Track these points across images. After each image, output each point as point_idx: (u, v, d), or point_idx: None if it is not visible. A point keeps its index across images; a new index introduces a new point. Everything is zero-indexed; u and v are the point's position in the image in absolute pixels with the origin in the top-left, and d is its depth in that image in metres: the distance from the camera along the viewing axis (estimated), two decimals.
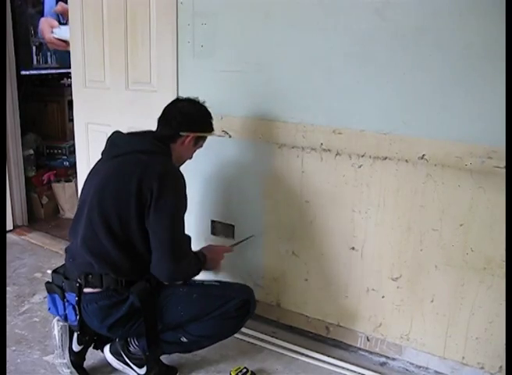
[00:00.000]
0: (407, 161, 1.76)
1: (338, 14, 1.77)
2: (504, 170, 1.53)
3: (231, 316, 1.70)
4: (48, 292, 1.73)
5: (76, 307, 1.65)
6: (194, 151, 1.85)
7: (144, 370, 1.79)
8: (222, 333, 1.76)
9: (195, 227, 2.32)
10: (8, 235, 3.15)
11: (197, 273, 1.76)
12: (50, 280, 1.74)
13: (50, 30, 2.79)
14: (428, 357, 1.88)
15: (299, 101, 1.93)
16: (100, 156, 1.79)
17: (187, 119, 1.77)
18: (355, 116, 1.82)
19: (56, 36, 2.78)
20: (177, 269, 1.65)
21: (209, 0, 2.04)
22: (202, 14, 2.06)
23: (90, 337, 1.82)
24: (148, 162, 1.65)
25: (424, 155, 1.72)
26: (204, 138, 1.85)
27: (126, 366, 1.81)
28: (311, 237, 2.03)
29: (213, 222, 2.27)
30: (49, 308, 1.75)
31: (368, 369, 1.91)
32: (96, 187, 1.67)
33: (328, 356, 1.98)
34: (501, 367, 1.74)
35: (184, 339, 1.71)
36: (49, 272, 2.64)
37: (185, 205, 1.69)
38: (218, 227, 2.26)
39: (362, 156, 1.84)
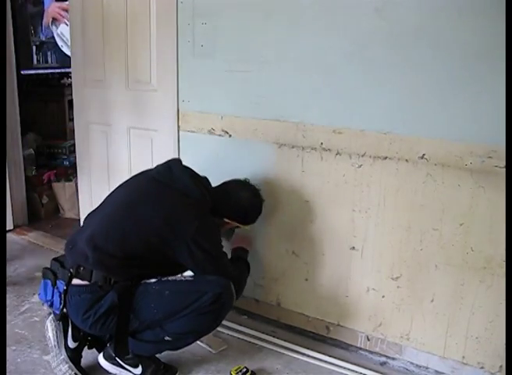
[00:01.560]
0: (407, 160, 1.76)
1: (338, 14, 1.78)
2: (504, 170, 1.53)
3: (205, 310, 1.67)
4: (43, 277, 1.75)
5: (62, 296, 1.67)
6: (221, 232, 1.90)
7: (139, 370, 1.79)
8: (200, 328, 1.75)
9: None
10: (8, 235, 3.15)
11: (249, 271, 1.97)
12: (48, 266, 1.76)
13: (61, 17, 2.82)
14: (429, 356, 1.88)
15: (299, 100, 1.93)
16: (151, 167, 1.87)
17: (240, 213, 1.90)
18: (355, 116, 1.82)
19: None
20: (239, 292, 1.81)
21: None
22: (202, 13, 2.06)
23: (84, 334, 1.82)
24: (189, 210, 1.71)
25: (424, 154, 1.71)
26: (233, 230, 1.99)
27: (121, 369, 1.80)
28: (311, 237, 2.03)
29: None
30: (39, 294, 1.77)
31: (368, 369, 1.91)
32: (131, 198, 1.75)
33: (329, 356, 1.98)
34: (501, 367, 1.74)
35: (168, 337, 1.71)
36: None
37: (219, 237, 1.80)
38: None
39: (362, 156, 1.84)
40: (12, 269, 2.67)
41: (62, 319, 1.77)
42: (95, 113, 2.57)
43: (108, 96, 2.49)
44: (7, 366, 1.84)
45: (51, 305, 1.73)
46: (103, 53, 2.47)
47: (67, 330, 1.80)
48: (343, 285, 2.00)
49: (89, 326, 1.70)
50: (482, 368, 1.78)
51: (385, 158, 1.79)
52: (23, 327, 2.15)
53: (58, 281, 1.69)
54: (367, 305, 1.97)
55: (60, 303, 1.68)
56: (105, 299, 1.64)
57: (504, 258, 1.61)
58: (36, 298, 2.39)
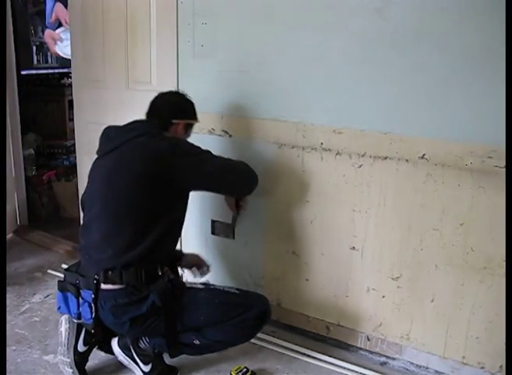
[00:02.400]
0: (407, 160, 1.76)
1: (338, 14, 1.77)
2: (504, 170, 1.53)
3: (248, 324, 1.71)
4: (61, 291, 1.70)
5: (93, 305, 1.63)
6: (186, 136, 1.89)
7: (149, 367, 1.79)
8: (236, 339, 1.78)
9: (195, 227, 2.32)
10: (9, 234, 3.15)
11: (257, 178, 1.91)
12: (62, 279, 1.72)
13: (53, 42, 2.83)
14: (429, 356, 1.88)
15: (299, 100, 1.93)
16: (96, 155, 1.79)
17: (177, 108, 1.85)
18: (355, 116, 1.82)
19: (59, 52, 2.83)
20: (252, 182, 1.89)
21: None
22: (202, 13, 2.06)
23: (97, 339, 1.82)
24: (150, 142, 1.68)
25: (424, 154, 1.71)
26: (192, 127, 1.91)
27: (132, 362, 1.80)
28: (311, 237, 2.03)
29: (213, 222, 2.27)
30: (59, 308, 1.73)
31: (369, 369, 1.91)
32: (106, 183, 1.68)
33: (329, 356, 1.98)
34: (501, 367, 1.74)
35: (197, 341, 1.72)
36: (50, 271, 2.66)
37: (205, 150, 1.79)
38: (219, 227, 2.26)
39: (362, 156, 1.84)
40: (12, 269, 2.67)
41: (94, 328, 1.73)
42: (95, 113, 2.57)
43: (108, 96, 2.49)
44: (7, 366, 1.84)
45: (79, 318, 1.69)
46: (103, 53, 2.47)
47: (80, 333, 1.79)
48: (343, 285, 2.00)
49: (127, 330, 1.69)
50: (482, 368, 1.78)
51: (386, 158, 1.79)
52: (23, 327, 2.15)
53: (82, 291, 1.65)
54: (367, 305, 1.97)
55: (91, 313, 1.64)
56: (145, 302, 1.63)
57: (504, 258, 1.60)
58: (36, 298, 2.40)
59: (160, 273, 1.69)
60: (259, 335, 2.10)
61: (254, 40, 1.97)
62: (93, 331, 1.73)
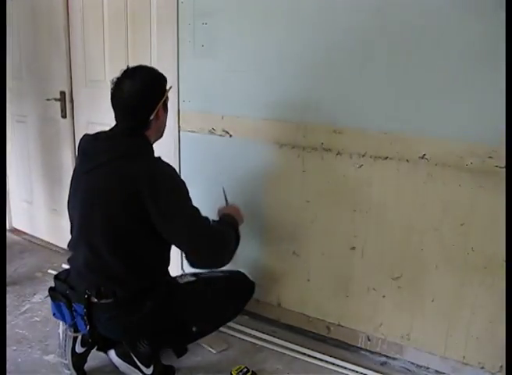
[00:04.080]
0: (407, 160, 1.76)
1: (339, 13, 1.77)
2: (505, 170, 1.53)
3: (238, 304, 1.87)
4: (52, 300, 1.69)
5: (86, 318, 1.61)
6: (167, 112, 1.72)
7: (151, 370, 1.78)
8: (228, 317, 1.90)
9: None
10: (9, 234, 3.15)
11: (238, 241, 1.76)
12: (53, 286, 1.71)
13: None
14: (429, 356, 1.88)
15: (299, 100, 1.93)
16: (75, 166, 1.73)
17: (146, 99, 1.61)
18: (356, 116, 1.82)
19: None
20: (221, 256, 1.67)
21: None
22: (203, 13, 2.06)
23: (95, 341, 1.79)
24: (128, 172, 1.53)
25: (424, 154, 1.71)
26: (167, 99, 1.69)
27: (133, 367, 1.78)
28: (311, 237, 2.03)
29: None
30: (54, 314, 1.72)
31: (369, 369, 1.91)
32: (83, 208, 1.61)
33: (329, 356, 1.98)
34: (501, 367, 1.74)
35: (195, 328, 1.76)
36: (50, 271, 2.66)
37: (186, 191, 1.62)
38: None
39: (363, 156, 1.84)
40: (12, 269, 2.67)
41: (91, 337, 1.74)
42: (96, 113, 2.57)
43: (108, 96, 2.47)
44: (8, 366, 1.84)
45: (74, 328, 1.69)
46: (103, 53, 2.47)
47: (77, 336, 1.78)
48: (343, 285, 2.00)
49: (126, 336, 1.70)
50: (483, 368, 1.78)
51: (386, 158, 1.79)
52: (23, 327, 2.15)
53: (74, 304, 1.63)
54: (367, 305, 1.97)
55: (85, 325, 1.63)
56: (142, 309, 1.61)
57: (504, 258, 1.60)
58: (36, 299, 2.40)
59: (154, 284, 1.68)
60: (260, 335, 2.11)
61: (254, 39, 1.97)
62: (90, 340, 1.72)
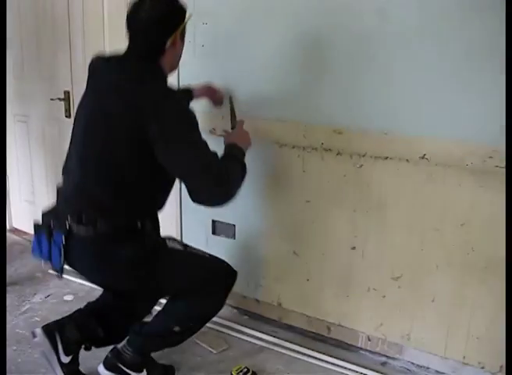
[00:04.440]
0: (407, 160, 1.76)
1: (339, 13, 1.77)
2: (505, 170, 1.53)
3: (219, 296, 1.71)
4: (35, 232, 1.61)
5: (62, 249, 1.53)
6: (183, 44, 1.63)
7: (144, 374, 1.76)
8: (211, 311, 1.75)
9: (196, 227, 2.32)
10: (9, 235, 3.15)
11: (244, 174, 1.62)
12: (38, 221, 1.63)
13: None
14: (429, 357, 1.88)
15: (299, 100, 1.93)
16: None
17: (165, 21, 1.52)
18: (356, 116, 1.82)
19: None
20: (223, 191, 1.50)
21: None
22: (203, 13, 2.06)
23: (77, 345, 1.75)
24: (136, 96, 1.44)
25: (425, 154, 1.71)
26: (185, 27, 1.60)
27: None
28: (311, 237, 2.03)
29: (214, 222, 2.27)
30: (33, 250, 1.63)
31: (369, 369, 1.91)
32: (84, 127, 1.54)
33: (330, 356, 1.98)
34: (501, 367, 1.74)
35: (177, 328, 1.67)
36: (50, 272, 2.66)
37: (194, 121, 1.51)
38: (219, 227, 2.26)
39: (363, 156, 1.84)
40: (12, 270, 2.67)
41: (51, 326, 1.71)
42: None
43: None
44: (8, 366, 1.84)
45: (49, 260, 1.59)
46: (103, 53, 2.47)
47: (56, 346, 1.70)
48: (343, 285, 2.00)
49: (95, 279, 1.66)
50: (483, 368, 1.78)
51: (386, 158, 1.79)
52: (23, 327, 2.15)
53: (54, 233, 1.55)
54: (367, 305, 1.97)
55: (60, 256, 1.54)
56: (118, 255, 1.52)
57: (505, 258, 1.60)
58: (37, 298, 2.40)
59: (140, 227, 1.58)
60: (260, 335, 2.11)
61: (254, 39, 1.97)
62: (46, 339, 1.67)
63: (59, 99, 2.70)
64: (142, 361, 1.75)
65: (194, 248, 1.73)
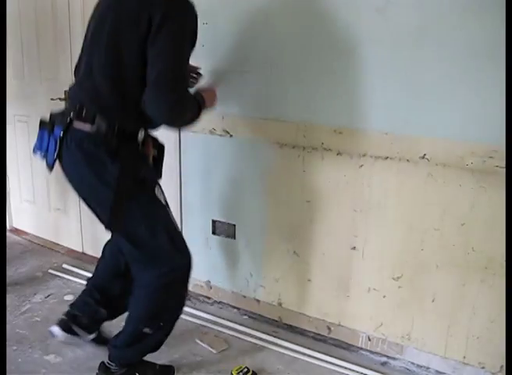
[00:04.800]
0: (408, 160, 1.76)
1: (338, 13, 1.77)
2: (505, 170, 1.53)
3: (167, 268, 1.65)
4: (39, 129, 1.64)
5: (58, 142, 1.56)
6: None
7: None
8: (170, 304, 1.72)
9: (196, 227, 2.32)
10: (9, 234, 3.15)
11: (198, 116, 1.64)
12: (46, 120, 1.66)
13: None
14: (429, 356, 1.88)
15: (300, 100, 1.93)
16: None
17: None
18: (356, 116, 1.82)
19: None
20: (174, 102, 1.49)
21: None
22: (203, 13, 2.04)
23: (94, 324, 1.87)
24: None
25: (425, 154, 1.71)
26: None
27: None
28: (312, 237, 2.03)
29: (214, 221, 2.27)
30: (34, 148, 1.66)
31: (369, 369, 1.91)
32: (96, 22, 1.58)
33: (330, 356, 1.98)
34: (502, 367, 1.74)
35: (147, 329, 1.67)
36: (51, 271, 2.66)
37: (192, 37, 1.56)
38: (220, 227, 2.26)
39: (363, 156, 1.84)
40: (13, 269, 2.67)
41: (66, 321, 1.79)
42: None
43: None
44: (8, 366, 1.84)
45: (45, 157, 1.62)
46: None
47: (78, 334, 1.84)
48: (343, 285, 2.00)
49: (79, 187, 1.63)
50: (483, 368, 1.78)
51: (386, 158, 1.79)
52: (23, 327, 2.15)
53: (55, 127, 1.58)
54: (368, 305, 1.97)
55: (54, 149, 1.57)
56: (109, 158, 1.53)
57: (505, 258, 1.60)
58: (37, 298, 2.40)
59: (134, 133, 1.60)
60: (260, 335, 2.11)
61: (254, 39, 1.97)
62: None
63: (60, 99, 2.70)
64: (129, 371, 1.75)
65: (171, 216, 1.71)
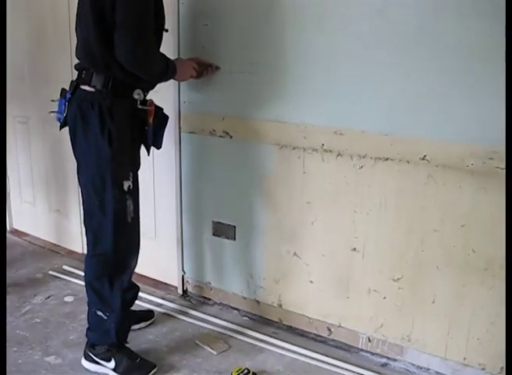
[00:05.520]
0: (408, 162, 1.76)
1: (339, 14, 1.78)
2: (505, 171, 1.53)
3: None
4: (60, 97, 1.81)
5: (67, 103, 1.76)
6: None
7: (112, 364, 1.85)
8: (111, 292, 1.83)
9: (196, 228, 2.32)
10: (9, 236, 3.15)
11: (163, 73, 1.76)
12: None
13: None
14: (430, 358, 1.88)
15: (300, 101, 1.93)
16: None
17: None
18: (356, 117, 1.82)
19: None
20: (140, 48, 1.63)
21: (210, 1, 2.05)
22: (203, 15, 2.07)
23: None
24: None
25: (425, 155, 1.72)
26: None
27: (98, 366, 1.87)
28: (312, 238, 2.03)
29: (214, 223, 2.27)
30: (56, 112, 1.83)
31: (370, 370, 1.91)
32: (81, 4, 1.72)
33: (330, 357, 1.98)
34: (502, 368, 1.74)
35: (99, 312, 1.82)
36: (51, 273, 2.67)
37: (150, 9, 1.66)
38: (220, 228, 2.26)
39: (363, 157, 1.84)
40: (13, 271, 2.67)
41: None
42: None
43: None
44: (8, 367, 1.85)
45: (59, 118, 1.81)
46: None
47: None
48: (344, 286, 2.00)
49: (74, 145, 1.78)
50: (483, 369, 1.78)
51: (387, 159, 1.79)
52: (24, 328, 2.15)
53: (67, 92, 1.77)
54: (368, 306, 1.97)
55: (64, 109, 1.77)
56: (99, 122, 1.67)
57: (505, 260, 1.60)
58: (37, 300, 2.40)
59: (134, 94, 1.72)
60: (260, 336, 2.11)
61: (255, 41, 1.97)
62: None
63: None
64: (107, 354, 1.85)
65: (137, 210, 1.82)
